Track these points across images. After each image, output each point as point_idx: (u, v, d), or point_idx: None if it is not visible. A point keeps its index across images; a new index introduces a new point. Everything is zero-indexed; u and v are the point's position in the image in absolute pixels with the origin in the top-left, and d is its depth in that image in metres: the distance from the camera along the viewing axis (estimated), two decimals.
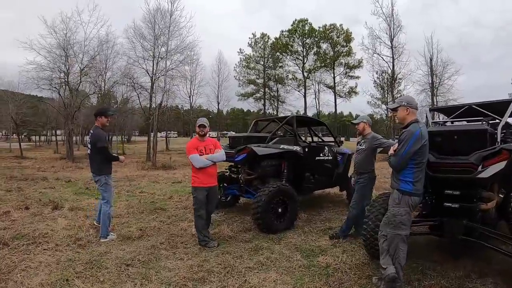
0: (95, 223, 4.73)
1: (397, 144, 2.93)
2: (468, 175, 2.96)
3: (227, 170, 6.07)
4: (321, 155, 5.90)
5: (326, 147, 6.04)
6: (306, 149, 5.54)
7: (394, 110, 2.98)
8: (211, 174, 4.12)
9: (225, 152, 5.39)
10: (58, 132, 32.44)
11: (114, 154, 4.90)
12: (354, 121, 4.58)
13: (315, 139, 7.30)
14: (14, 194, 7.16)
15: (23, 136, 34.53)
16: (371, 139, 4.35)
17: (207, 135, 4.25)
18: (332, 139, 6.81)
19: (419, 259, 3.54)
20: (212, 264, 3.47)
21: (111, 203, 4.41)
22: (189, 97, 32.87)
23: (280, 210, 4.65)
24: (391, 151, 2.94)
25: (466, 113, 4.13)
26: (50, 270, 3.29)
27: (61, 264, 3.43)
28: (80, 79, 18.56)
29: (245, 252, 3.83)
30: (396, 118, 3.05)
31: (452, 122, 4.47)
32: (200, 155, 4.04)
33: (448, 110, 4.80)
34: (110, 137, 27.11)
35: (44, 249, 3.87)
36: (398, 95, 26.11)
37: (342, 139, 7.07)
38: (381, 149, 4.27)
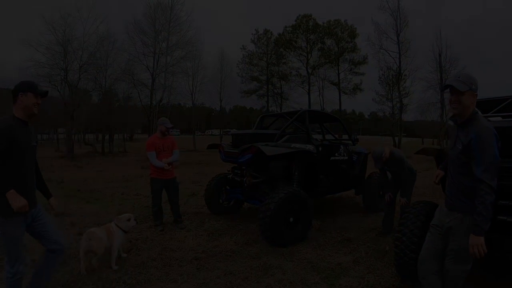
0: None
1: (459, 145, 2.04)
2: None
3: (230, 172, 5.42)
4: (336, 154, 5.22)
5: (341, 146, 5.38)
6: (320, 148, 4.88)
7: (460, 94, 1.96)
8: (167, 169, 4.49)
9: (227, 151, 4.78)
10: (60, 130, 32.13)
11: None
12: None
13: (328, 136, 6.62)
14: None
15: None
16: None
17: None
18: (346, 136, 6.15)
19: None
20: None
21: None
22: (191, 94, 32.29)
23: (291, 219, 4.00)
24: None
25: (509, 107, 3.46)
26: None
27: None
28: (80, 76, 18.10)
29: (252, 272, 3.19)
30: (455, 106, 2.00)
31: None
32: (158, 151, 4.48)
33: (487, 104, 4.08)
34: (111, 135, 26.69)
35: None
36: (404, 92, 25.38)
37: (358, 137, 6.36)
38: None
